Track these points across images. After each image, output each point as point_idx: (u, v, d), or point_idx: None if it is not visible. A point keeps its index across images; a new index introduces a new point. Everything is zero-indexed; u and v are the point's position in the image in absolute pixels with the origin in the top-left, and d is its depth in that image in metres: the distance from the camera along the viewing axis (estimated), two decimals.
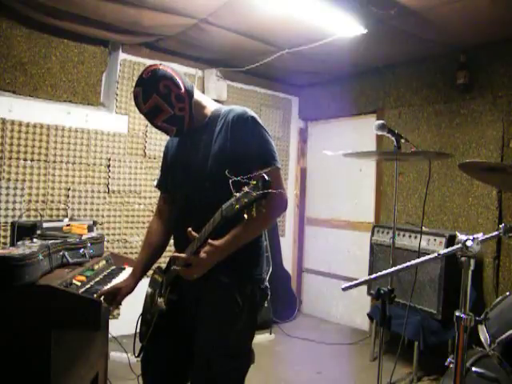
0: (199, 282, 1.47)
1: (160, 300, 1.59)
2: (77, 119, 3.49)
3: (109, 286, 1.87)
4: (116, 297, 1.69)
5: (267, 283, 1.63)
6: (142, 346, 1.71)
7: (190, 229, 1.40)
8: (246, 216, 1.20)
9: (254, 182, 1.18)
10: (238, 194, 1.19)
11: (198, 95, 1.64)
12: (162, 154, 1.87)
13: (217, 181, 1.26)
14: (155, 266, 1.81)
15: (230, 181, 1.19)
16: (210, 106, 1.67)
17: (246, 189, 1.18)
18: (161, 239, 1.80)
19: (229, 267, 1.47)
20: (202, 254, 1.38)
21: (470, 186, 3.50)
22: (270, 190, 1.16)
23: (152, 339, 1.66)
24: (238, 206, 1.19)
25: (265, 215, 1.27)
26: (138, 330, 1.74)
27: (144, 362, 1.70)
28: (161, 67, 1.55)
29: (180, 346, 1.64)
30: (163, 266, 1.76)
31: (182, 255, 1.43)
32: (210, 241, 1.37)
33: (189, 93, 1.57)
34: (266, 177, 1.18)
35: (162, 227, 1.81)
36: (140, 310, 1.77)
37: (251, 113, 1.57)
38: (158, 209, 1.86)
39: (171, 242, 1.77)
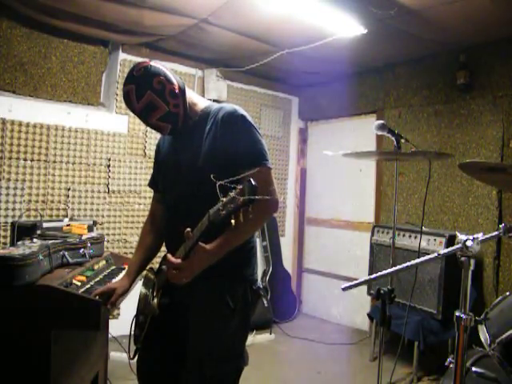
0: (191, 285, 1.47)
1: (153, 302, 1.58)
2: (77, 119, 3.49)
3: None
4: (111, 297, 1.67)
5: (260, 284, 1.62)
6: (137, 348, 1.70)
7: (188, 229, 1.36)
8: (233, 222, 1.18)
9: (241, 187, 1.15)
10: (224, 199, 1.17)
11: (188, 92, 1.61)
12: None
13: (207, 181, 1.24)
14: (149, 266, 1.80)
15: (217, 185, 1.17)
16: (200, 104, 1.65)
17: (232, 194, 1.16)
18: (155, 239, 1.79)
19: (220, 269, 1.44)
20: (192, 259, 1.36)
21: (470, 186, 3.50)
22: (256, 197, 1.14)
23: (146, 341, 1.65)
24: (224, 212, 1.17)
25: (252, 220, 1.24)
26: (132, 333, 1.74)
27: (139, 364, 1.70)
28: (152, 63, 1.53)
29: (174, 347, 1.62)
30: (157, 266, 1.76)
31: (172, 259, 1.39)
32: (200, 244, 1.34)
33: (182, 89, 1.55)
34: (253, 181, 1.15)
35: (156, 227, 1.80)
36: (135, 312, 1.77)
37: (241, 111, 1.55)
38: (152, 209, 1.85)
39: None
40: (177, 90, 1.53)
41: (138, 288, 1.80)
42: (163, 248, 1.78)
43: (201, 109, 1.63)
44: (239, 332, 1.56)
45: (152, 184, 1.85)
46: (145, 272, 1.79)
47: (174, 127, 1.57)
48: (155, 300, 1.58)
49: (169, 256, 1.41)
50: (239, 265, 1.56)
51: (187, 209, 1.53)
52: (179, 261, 1.38)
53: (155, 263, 1.83)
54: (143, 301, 1.73)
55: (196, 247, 1.35)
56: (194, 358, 1.51)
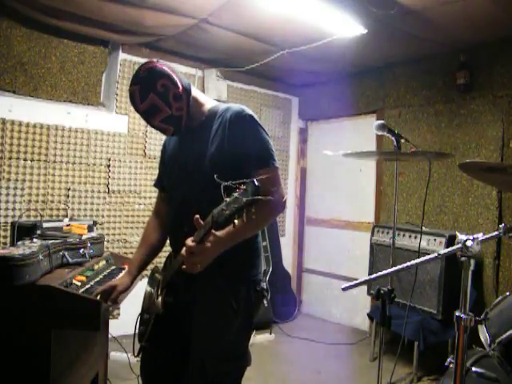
0: (194, 284, 1.45)
1: (157, 301, 1.58)
2: (77, 119, 3.50)
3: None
4: (111, 294, 1.67)
5: (264, 284, 1.61)
6: (141, 346, 1.70)
7: (197, 216, 1.33)
8: (236, 222, 1.19)
9: (244, 187, 1.16)
10: (228, 199, 1.18)
11: (194, 92, 1.61)
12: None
13: (212, 181, 1.24)
14: (153, 266, 1.80)
15: (221, 185, 1.17)
16: (207, 104, 1.64)
17: (235, 194, 1.16)
18: (158, 238, 1.79)
19: (223, 269, 1.44)
20: (206, 243, 1.34)
21: (470, 186, 3.50)
22: (258, 197, 1.14)
23: (150, 339, 1.65)
24: (227, 212, 1.17)
25: (257, 219, 1.24)
26: (137, 330, 1.74)
27: (142, 362, 1.70)
28: (158, 64, 1.52)
29: (178, 346, 1.63)
30: (161, 266, 1.76)
31: (190, 243, 1.35)
32: (213, 231, 1.32)
33: (186, 91, 1.54)
34: (256, 182, 1.16)
35: (160, 226, 1.79)
36: (140, 310, 1.77)
37: (249, 111, 1.54)
38: (156, 208, 1.85)
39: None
40: (181, 93, 1.51)
41: (139, 288, 1.80)
42: (166, 247, 1.78)
43: (208, 109, 1.62)
44: (242, 332, 1.56)
45: (157, 183, 1.85)
46: (150, 271, 1.79)
47: (176, 129, 1.57)
48: (159, 299, 1.58)
49: (187, 240, 1.37)
50: (243, 265, 1.56)
51: (192, 209, 1.52)
52: (194, 244, 1.35)
53: (157, 263, 1.83)
54: (148, 299, 1.73)
55: (207, 235, 1.32)
56: (197, 358, 1.51)
